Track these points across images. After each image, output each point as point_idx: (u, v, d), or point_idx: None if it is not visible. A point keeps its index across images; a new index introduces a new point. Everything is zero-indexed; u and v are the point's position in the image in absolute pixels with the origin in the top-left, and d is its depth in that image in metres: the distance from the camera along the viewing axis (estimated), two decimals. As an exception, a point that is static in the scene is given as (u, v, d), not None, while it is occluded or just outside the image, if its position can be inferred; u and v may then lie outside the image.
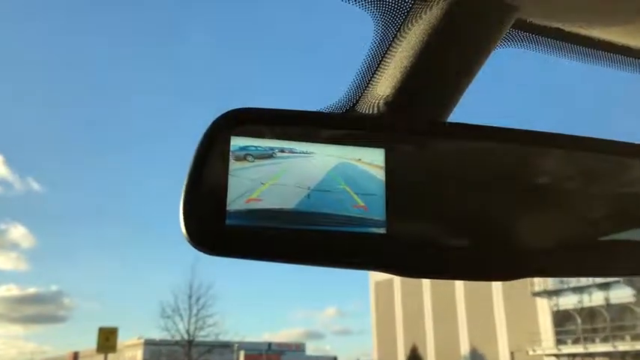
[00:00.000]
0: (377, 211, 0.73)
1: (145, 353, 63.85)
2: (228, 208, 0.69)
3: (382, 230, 0.73)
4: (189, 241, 0.68)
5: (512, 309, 35.57)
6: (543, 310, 32.78)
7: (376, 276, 46.09)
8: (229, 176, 0.70)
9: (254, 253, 0.71)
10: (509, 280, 0.77)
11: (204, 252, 0.69)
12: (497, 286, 37.15)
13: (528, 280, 32.36)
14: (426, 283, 41.96)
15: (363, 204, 0.73)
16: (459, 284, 39.59)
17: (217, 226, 0.69)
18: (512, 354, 30.45)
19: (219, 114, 0.74)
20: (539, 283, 32.45)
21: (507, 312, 36.15)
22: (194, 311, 21.43)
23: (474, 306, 38.32)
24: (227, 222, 0.69)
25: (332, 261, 0.74)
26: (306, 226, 0.71)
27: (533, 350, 30.40)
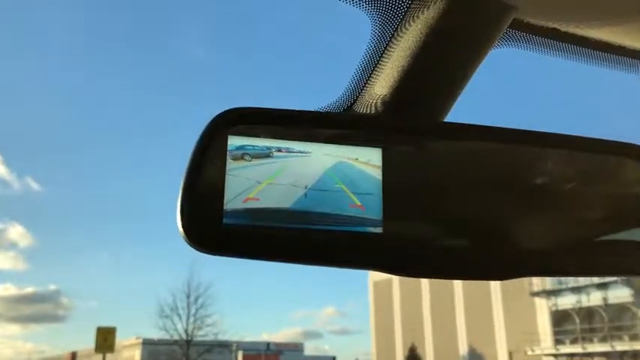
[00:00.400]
0: (374, 210, 0.73)
1: (143, 353, 63.76)
2: (225, 208, 0.69)
3: (379, 230, 0.73)
4: (186, 241, 0.68)
5: (510, 309, 35.60)
6: (542, 310, 32.81)
7: (375, 276, 46.11)
8: (227, 175, 0.70)
9: (251, 252, 0.72)
10: (506, 279, 0.77)
11: (202, 251, 0.69)
12: (495, 286, 37.18)
13: (527, 280, 32.43)
14: (424, 282, 41.99)
15: (359, 203, 0.73)
16: (457, 284, 39.63)
17: (215, 225, 0.69)
18: (510, 354, 30.48)
19: (216, 113, 0.74)
20: (537, 283, 32.49)
21: (506, 312, 36.18)
22: (192, 311, 21.42)
23: (472, 306, 38.34)
24: (224, 221, 0.69)
25: (329, 260, 0.74)
26: (303, 225, 0.71)
27: (532, 350, 30.43)
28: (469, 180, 0.80)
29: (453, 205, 0.78)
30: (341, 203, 0.73)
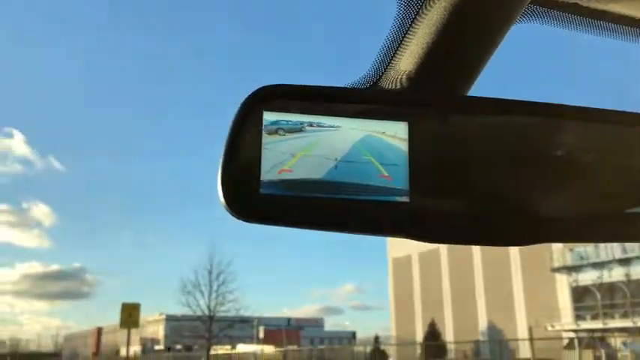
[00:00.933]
0: (400, 181, 0.78)
1: (166, 328, 65.10)
2: (262, 179, 0.74)
3: (405, 199, 0.77)
4: (227, 210, 0.73)
5: (530, 285, 35.52)
6: (562, 285, 32.68)
7: (394, 252, 46.27)
8: (263, 149, 0.75)
9: (286, 220, 0.77)
10: (526, 245, 0.81)
11: (241, 219, 0.74)
12: (515, 262, 37.10)
13: (547, 255, 32.28)
14: (444, 259, 42.02)
15: (387, 174, 0.78)
16: (477, 260, 39.61)
17: (253, 195, 0.74)
18: (530, 329, 30.46)
19: (250, 91, 0.78)
20: (558, 258, 32.32)
21: (526, 288, 36.12)
22: (214, 287, 21.68)
23: (492, 282, 38.32)
24: (262, 191, 0.74)
25: (358, 228, 0.78)
26: (334, 195, 0.76)
27: (552, 326, 30.38)
28: (491, 151, 0.83)
29: (476, 175, 0.82)
30: (369, 174, 0.77)
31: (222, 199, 0.73)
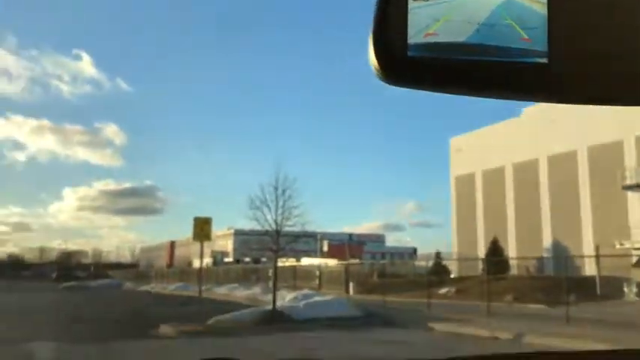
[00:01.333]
0: (540, 43, 0.81)
1: (235, 242, 68.36)
2: (409, 42, 0.79)
3: (545, 60, 0.80)
4: (378, 73, 0.79)
5: (599, 202, 34.61)
6: (634, 203, 31.69)
7: (457, 170, 45.86)
8: (408, 14, 0.79)
9: (432, 82, 0.82)
10: None
11: (391, 83, 0.80)
12: (584, 180, 36.07)
13: (619, 173, 31.14)
14: (508, 176, 41.32)
15: (527, 37, 0.81)
16: (543, 178, 38.75)
17: (401, 58, 0.79)
18: (597, 247, 29.98)
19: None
20: (631, 176, 31.15)
21: (594, 205, 35.23)
22: (280, 203, 22.32)
23: (558, 200, 37.56)
24: (409, 54, 0.79)
25: (499, 91, 0.82)
26: (476, 57, 0.80)
27: (621, 244, 29.77)
28: (627, 12, 0.84)
29: (614, 35, 0.83)
30: (510, 37, 0.80)
31: (374, 63, 0.78)
